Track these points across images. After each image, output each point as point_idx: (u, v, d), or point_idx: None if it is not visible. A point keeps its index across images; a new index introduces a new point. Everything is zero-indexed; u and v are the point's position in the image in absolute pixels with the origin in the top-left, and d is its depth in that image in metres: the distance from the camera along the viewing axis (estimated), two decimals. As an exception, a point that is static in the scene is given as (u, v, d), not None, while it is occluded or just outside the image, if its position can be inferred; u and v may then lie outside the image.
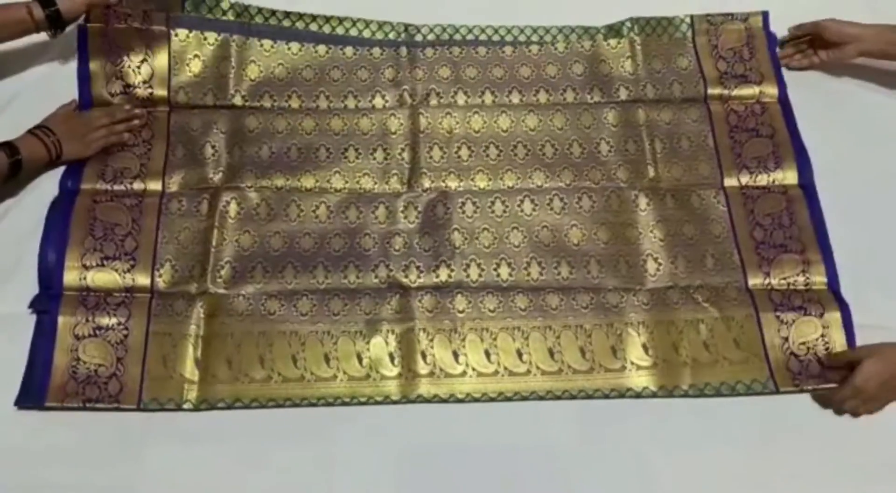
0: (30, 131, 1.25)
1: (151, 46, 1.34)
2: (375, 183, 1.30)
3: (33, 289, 1.18)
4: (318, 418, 1.13)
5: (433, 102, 1.36)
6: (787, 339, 1.18)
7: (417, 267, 1.23)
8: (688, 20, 1.43)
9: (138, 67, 1.34)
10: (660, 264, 1.24)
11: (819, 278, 1.23)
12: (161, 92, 1.34)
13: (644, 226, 1.27)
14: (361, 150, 1.32)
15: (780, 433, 1.14)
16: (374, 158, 1.31)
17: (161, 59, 1.34)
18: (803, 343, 1.18)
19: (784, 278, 1.23)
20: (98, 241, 1.21)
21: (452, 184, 1.30)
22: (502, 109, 1.36)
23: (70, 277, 1.18)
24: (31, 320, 1.16)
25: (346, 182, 1.29)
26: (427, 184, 1.29)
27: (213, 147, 1.31)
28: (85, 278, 1.18)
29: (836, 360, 1.15)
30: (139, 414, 1.12)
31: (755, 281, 1.23)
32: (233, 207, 1.26)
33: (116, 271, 1.20)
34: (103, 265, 1.20)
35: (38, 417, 1.11)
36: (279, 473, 1.09)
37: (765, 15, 1.43)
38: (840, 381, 1.13)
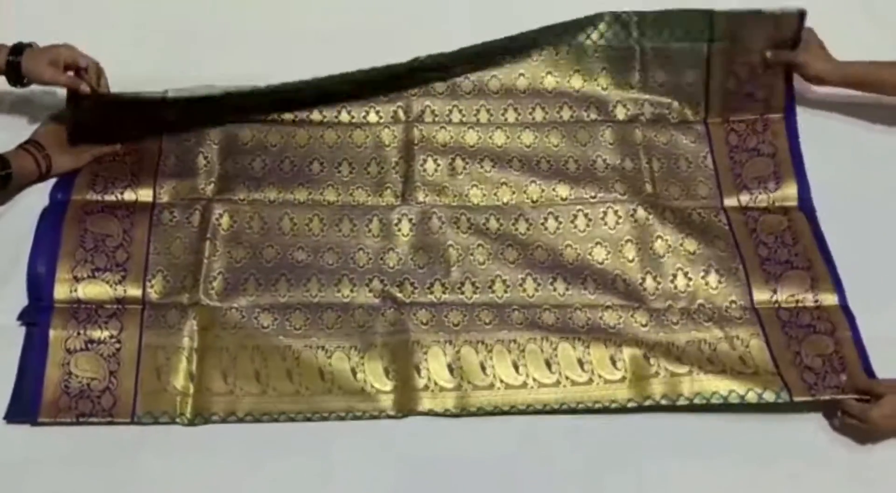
0: (20, 146, 1.24)
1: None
2: (369, 196, 1.29)
3: (24, 300, 1.17)
4: (313, 429, 1.12)
5: (427, 119, 1.36)
6: (798, 353, 1.16)
7: (412, 284, 1.22)
8: (707, 18, 1.34)
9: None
10: (658, 283, 1.23)
11: (829, 295, 1.21)
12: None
13: (642, 242, 1.26)
14: (355, 163, 1.31)
15: (782, 450, 1.12)
16: (368, 172, 1.31)
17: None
18: (819, 356, 1.15)
19: (792, 296, 1.22)
20: (89, 252, 1.20)
21: (447, 199, 1.29)
22: (497, 126, 1.36)
23: (61, 289, 1.17)
24: (21, 331, 1.15)
25: (340, 195, 1.29)
26: (421, 197, 1.29)
27: (205, 158, 1.30)
28: (76, 291, 1.17)
29: (856, 384, 1.12)
30: (133, 425, 1.11)
31: (761, 298, 1.22)
32: (225, 220, 1.25)
33: (107, 282, 1.18)
34: (94, 277, 1.18)
35: (30, 427, 1.10)
36: (274, 484, 1.08)
37: (801, 16, 1.31)
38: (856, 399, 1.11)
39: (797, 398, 1.11)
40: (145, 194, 1.26)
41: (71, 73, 1.24)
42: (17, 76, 1.23)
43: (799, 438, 1.13)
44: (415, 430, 1.13)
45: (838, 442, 1.12)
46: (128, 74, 1.32)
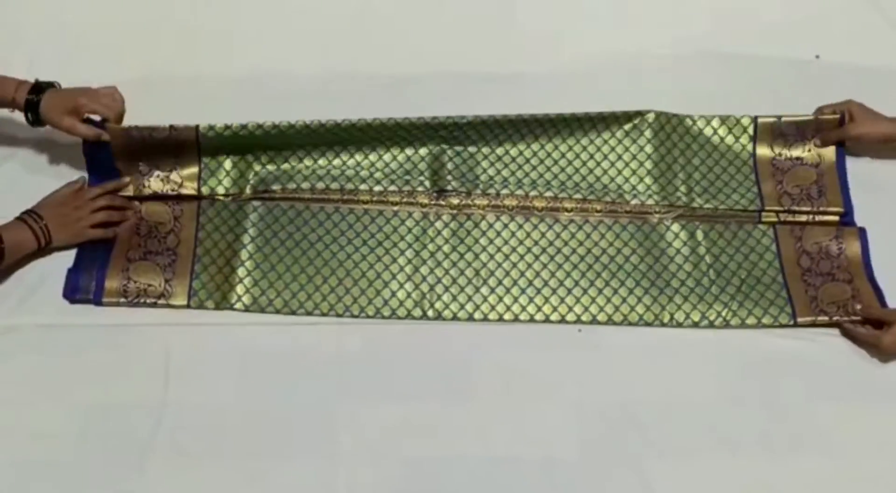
0: (19, 216, 1.18)
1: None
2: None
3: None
4: (316, 431, 1.11)
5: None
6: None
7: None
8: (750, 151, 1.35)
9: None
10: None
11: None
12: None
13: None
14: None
15: (784, 443, 1.11)
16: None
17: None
18: (832, 303, 1.21)
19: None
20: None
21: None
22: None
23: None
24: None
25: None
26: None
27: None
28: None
29: (867, 313, 1.18)
30: (137, 431, 1.09)
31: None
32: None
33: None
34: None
35: (37, 431, 1.09)
36: (279, 490, 1.07)
37: (841, 118, 1.32)
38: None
39: (801, 319, 1.19)
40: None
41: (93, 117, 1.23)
42: (35, 116, 1.22)
43: (800, 424, 1.12)
44: (418, 429, 1.12)
45: (842, 429, 1.12)
46: (126, 73, 1.34)
